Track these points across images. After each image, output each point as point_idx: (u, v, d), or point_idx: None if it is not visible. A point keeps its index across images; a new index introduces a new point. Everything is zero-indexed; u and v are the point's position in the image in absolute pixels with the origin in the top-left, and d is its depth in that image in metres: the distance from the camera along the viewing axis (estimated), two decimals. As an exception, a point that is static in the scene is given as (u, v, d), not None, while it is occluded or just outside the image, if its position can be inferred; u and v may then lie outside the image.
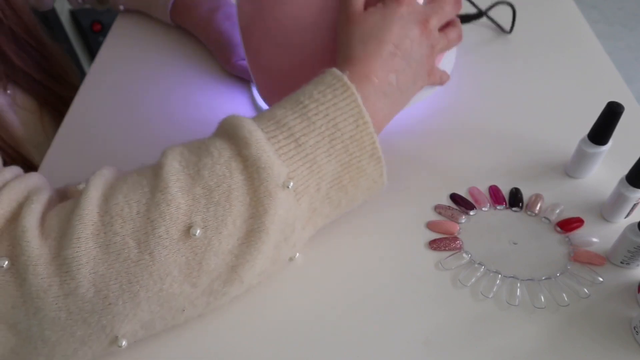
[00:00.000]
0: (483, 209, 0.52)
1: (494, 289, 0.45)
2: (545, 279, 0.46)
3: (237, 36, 0.65)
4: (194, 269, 0.36)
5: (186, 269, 0.36)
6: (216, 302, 0.40)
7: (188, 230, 0.35)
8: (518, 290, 0.45)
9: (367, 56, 0.41)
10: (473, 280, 0.46)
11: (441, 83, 0.51)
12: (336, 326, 0.43)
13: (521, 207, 0.52)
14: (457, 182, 0.54)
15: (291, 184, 0.37)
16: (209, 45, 0.68)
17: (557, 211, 0.51)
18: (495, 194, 0.53)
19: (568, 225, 0.50)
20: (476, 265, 0.47)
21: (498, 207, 0.52)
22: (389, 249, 0.48)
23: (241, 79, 0.65)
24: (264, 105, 0.60)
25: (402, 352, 0.42)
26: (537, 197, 0.52)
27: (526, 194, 0.53)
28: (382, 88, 0.42)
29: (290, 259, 0.46)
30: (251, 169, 0.37)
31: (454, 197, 0.52)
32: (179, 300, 0.37)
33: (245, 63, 0.63)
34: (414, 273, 0.47)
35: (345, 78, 0.39)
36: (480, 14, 0.62)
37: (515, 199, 0.52)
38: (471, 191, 0.53)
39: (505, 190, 0.53)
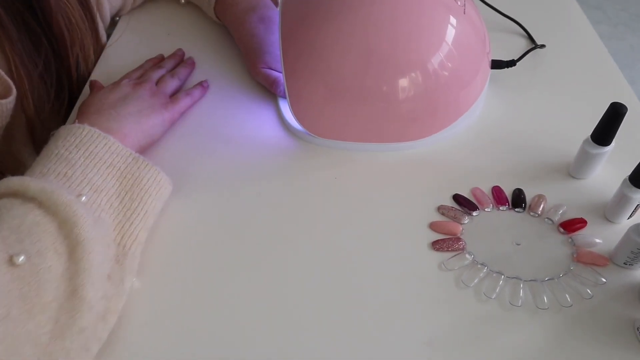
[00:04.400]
0: (486, 209, 0.52)
1: (497, 290, 0.45)
2: (548, 279, 0.46)
3: (267, 42, 0.64)
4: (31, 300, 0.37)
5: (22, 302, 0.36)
6: (74, 344, 0.39)
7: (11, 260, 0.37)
8: (521, 291, 0.45)
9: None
10: (476, 280, 0.46)
11: (179, 112, 0.60)
12: (339, 326, 0.43)
13: (524, 208, 0.52)
14: (460, 183, 0.54)
15: (83, 198, 0.43)
16: (240, 45, 0.68)
17: (560, 212, 0.51)
18: (498, 194, 0.53)
19: (571, 226, 0.50)
20: (479, 265, 0.47)
21: (501, 208, 0.52)
22: (392, 250, 0.49)
23: (267, 91, 0.63)
24: (290, 119, 0.58)
25: (405, 352, 0.42)
26: (540, 198, 0.52)
27: (529, 194, 0.53)
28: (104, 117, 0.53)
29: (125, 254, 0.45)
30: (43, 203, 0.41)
31: (457, 198, 0.53)
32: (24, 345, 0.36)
33: (269, 72, 0.62)
34: (417, 274, 0.47)
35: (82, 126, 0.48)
36: (512, 62, 0.64)
37: (518, 200, 0.52)
38: (474, 192, 0.53)
39: (508, 191, 0.53)
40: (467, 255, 0.48)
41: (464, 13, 0.54)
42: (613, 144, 0.51)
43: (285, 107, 0.59)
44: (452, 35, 0.52)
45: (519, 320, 0.44)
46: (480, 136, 0.59)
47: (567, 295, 0.45)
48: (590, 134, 0.52)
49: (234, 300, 0.45)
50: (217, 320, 0.44)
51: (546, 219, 0.51)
